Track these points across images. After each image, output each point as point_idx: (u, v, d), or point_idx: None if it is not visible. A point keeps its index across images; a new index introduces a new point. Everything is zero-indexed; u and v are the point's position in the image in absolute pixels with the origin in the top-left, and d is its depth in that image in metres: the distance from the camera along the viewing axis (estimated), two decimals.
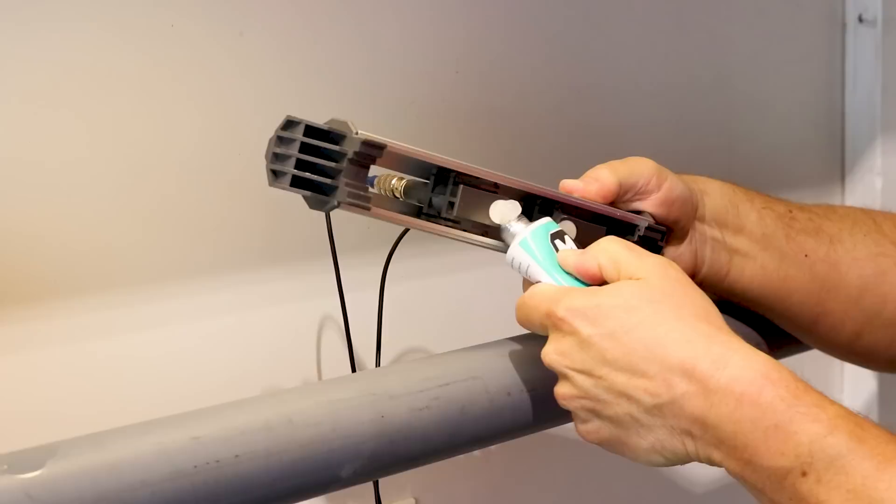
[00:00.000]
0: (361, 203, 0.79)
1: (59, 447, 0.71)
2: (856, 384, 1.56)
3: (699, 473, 1.42)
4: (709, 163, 1.36)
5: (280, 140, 0.77)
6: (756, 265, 0.97)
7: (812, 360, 1.51)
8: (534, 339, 0.92)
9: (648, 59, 1.31)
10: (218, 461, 0.73)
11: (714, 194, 0.97)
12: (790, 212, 1.00)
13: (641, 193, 0.92)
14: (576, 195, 0.90)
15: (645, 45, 1.30)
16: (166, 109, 0.97)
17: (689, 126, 1.35)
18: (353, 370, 1.01)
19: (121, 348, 0.96)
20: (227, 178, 1.00)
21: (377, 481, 0.99)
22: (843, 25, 1.50)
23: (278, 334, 1.05)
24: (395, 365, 1.06)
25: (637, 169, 0.92)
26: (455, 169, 0.84)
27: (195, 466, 0.72)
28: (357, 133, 0.78)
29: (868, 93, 1.50)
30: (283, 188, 0.78)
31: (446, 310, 1.16)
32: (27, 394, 0.92)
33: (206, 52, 0.98)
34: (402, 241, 0.97)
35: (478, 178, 0.85)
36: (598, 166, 0.92)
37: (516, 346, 0.90)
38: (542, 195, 0.88)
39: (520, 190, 0.88)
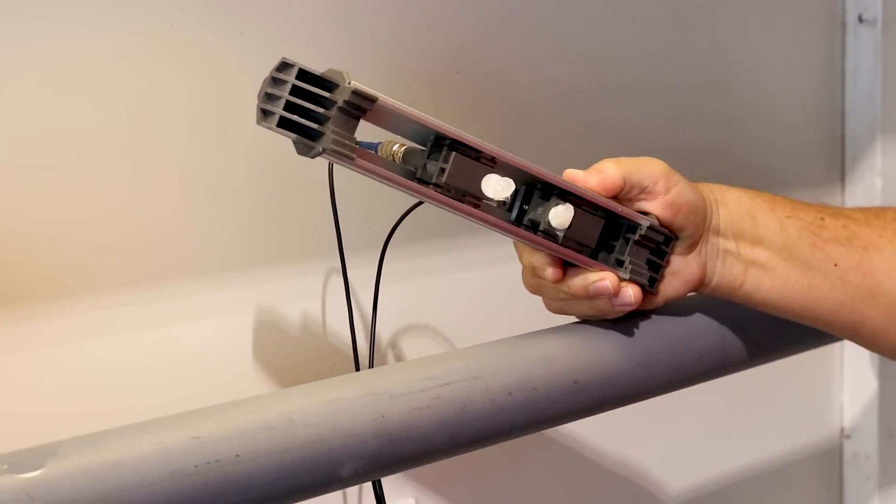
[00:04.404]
0: (345, 152, 0.78)
1: (59, 447, 0.71)
2: (856, 384, 1.56)
3: (699, 474, 1.42)
4: (709, 163, 1.36)
5: (273, 81, 0.77)
6: (776, 276, 0.95)
7: (812, 361, 1.51)
8: (535, 339, 0.92)
9: (648, 58, 1.31)
10: (218, 461, 0.73)
11: (730, 204, 0.95)
12: (821, 219, 0.97)
13: (648, 194, 0.91)
14: (577, 184, 0.89)
15: (645, 45, 1.30)
16: (166, 109, 0.97)
17: (689, 126, 1.35)
18: (357, 368, 1.01)
19: (121, 348, 0.96)
20: (227, 178, 1.00)
21: (380, 481, 0.99)
22: (843, 25, 1.50)
23: (279, 334, 1.05)
24: (395, 364, 1.06)
25: (645, 168, 0.91)
26: (448, 135, 0.83)
27: (195, 466, 0.72)
28: (350, 83, 0.78)
29: (868, 93, 1.50)
30: (270, 128, 0.78)
31: (448, 310, 1.16)
32: (27, 394, 0.92)
33: (206, 52, 0.98)
34: (403, 240, 0.97)
35: (473, 149, 0.84)
36: (605, 159, 0.91)
37: (518, 346, 0.90)
38: (542, 178, 0.87)
39: (519, 169, 0.87)
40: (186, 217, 0.99)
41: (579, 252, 0.90)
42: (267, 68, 1.02)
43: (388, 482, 1.07)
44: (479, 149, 0.84)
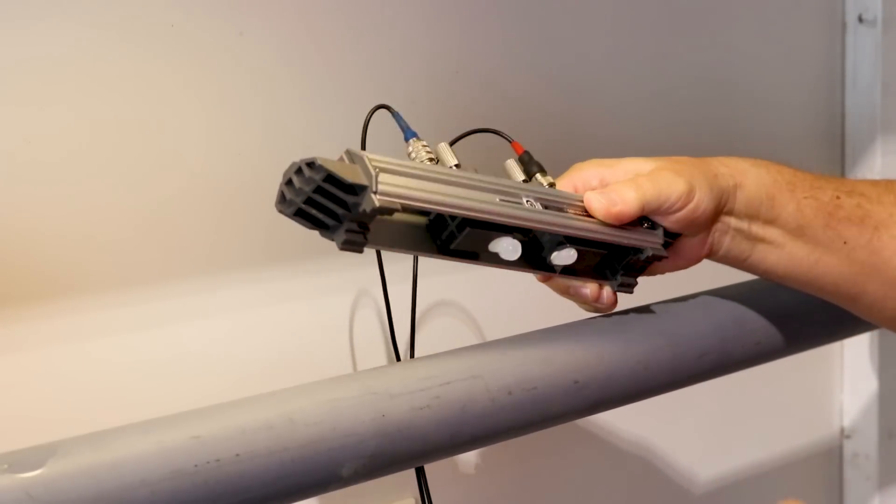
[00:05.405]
0: (356, 249, 0.79)
1: (59, 447, 0.71)
2: (856, 384, 1.56)
3: (699, 474, 1.42)
4: None
5: (300, 172, 0.77)
6: (783, 252, 0.95)
7: (812, 361, 1.51)
8: (535, 339, 0.92)
9: (649, 59, 1.31)
10: (218, 460, 0.73)
11: (750, 187, 0.94)
12: (837, 198, 0.97)
13: (663, 213, 0.91)
14: (594, 213, 0.88)
15: (645, 46, 1.30)
16: (166, 109, 0.97)
17: (689, 126, 1.35)
18: (398, 358, 1.01)
19: (121, 348, 0.96)
20: (227, 176, 1.00)
21: (423, 469, 0.98)
22: (843, 25, 1.50)
23: (279, 334, 1.05)
24: (395, 363, 1.06)
25: (666, 191, 0.90)
26: (463, 216, 0.83)
27: (195, 466, 0.72)
28: (376, 192, 0.77)
29: (868, 93, 1.50)
30: (287, 215, 0.78)
31: (451, 309, 1.15)
32: (27, 394, 0.92)
33: (206, 51, 0.98)
34: None
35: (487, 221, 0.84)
36: (625, 184, 0.89)
37: (517, 345, 0.90)
38: (555, 232, 0.87)
39: (531, 229, 0.87)
40: (187, 216, 0.99)
41: (573, 276, 0.90)
42: (267, 68, 1.02)
43: (388, 481, 1.07)
44: (493, 222, 0.84)
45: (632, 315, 0.96)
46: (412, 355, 1.01)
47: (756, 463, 1.48)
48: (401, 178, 0.79)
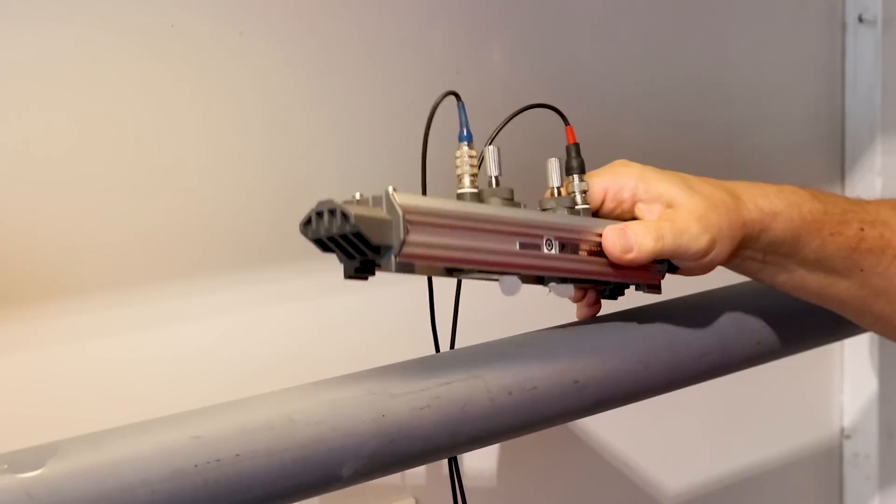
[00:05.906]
0: (361, 279, 0.79)
1: (59, 447, 0.71)
2: (856, 384, 1.56)
3: (699, 474, 1.42)
4: (709, 162, 1.36)
5: (333, 214, 0.76)
6: (795, 275, 0.95)
7: (812, 361, 1.51)
8: (536, 338, 0.92)
9: (648, 59, 1.31)
10: (218, 460, 0.73)
11: (777, 229, 0.93)
12: (861, 230, 0.96)
13: (677, 258, 0.91)
14: (608, 253, 0.88)
15: (645, 46, 1.30)
16: (166, 109, 0.97)
17: (689, 126, 1.35)
18: (438, 350, 1.01)
19: (121, 348, 0.96)
20: (227, 177, 1.00)
21: (454, 460, 0.98)
22: (843, 25, 1.50)
23: (279, 334, 1.05)
24: (395, 363, 1.06)
25: (686, 245, 0.89)
26: (483, 269, 0.84)
27: (196, 466, 0.72)
28: (399, 255, 0.77)
29: (868, 93, 1.50)
30: (305, 237, 0.78)
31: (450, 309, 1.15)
32: (27, 394, 0.92)
33: (206, 51, 0.98)
34: None
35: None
36: (647, 229, 0.88)
37: (517, 345, 0.90)
38: (559, 275, 0.88)
39: (542, 276, 0.88)
40: (187, 217, 0.99)
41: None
42: (267, 68, 1.02)
43: (388, 481, 1.07)
44: (502, 271, 0.85)
45: (632, 315, 0.96)
46: (452, 345, 1.01)
47: (756, 463, 1.48)
48: (427, 234, 0.79)
